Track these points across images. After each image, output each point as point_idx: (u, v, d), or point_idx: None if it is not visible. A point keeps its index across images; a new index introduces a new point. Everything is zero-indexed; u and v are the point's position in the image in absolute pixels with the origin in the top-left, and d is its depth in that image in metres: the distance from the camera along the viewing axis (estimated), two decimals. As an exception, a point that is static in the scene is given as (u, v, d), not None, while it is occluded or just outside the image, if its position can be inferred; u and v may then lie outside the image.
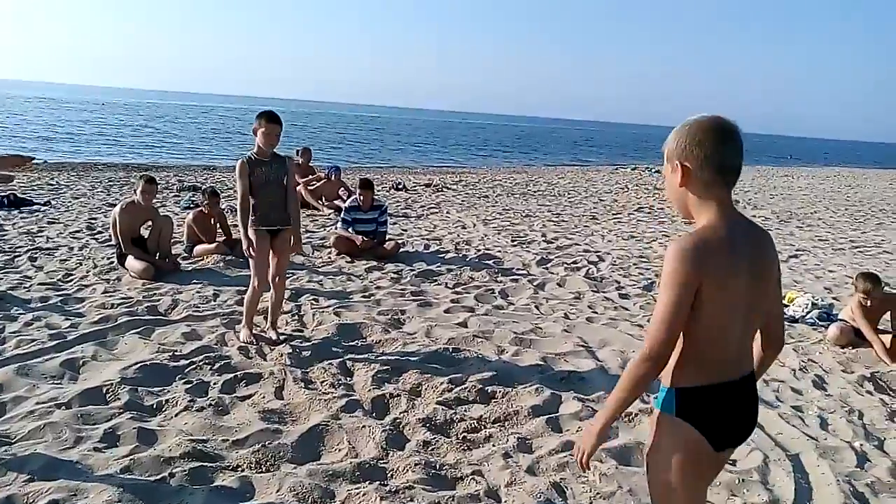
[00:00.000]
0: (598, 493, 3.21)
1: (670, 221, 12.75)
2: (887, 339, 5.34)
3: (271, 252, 4.99)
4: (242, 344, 4.91)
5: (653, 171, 27.42)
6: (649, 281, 7.60)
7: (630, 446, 3.66)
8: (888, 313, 5.50)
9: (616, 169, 29.56)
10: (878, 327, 5.46)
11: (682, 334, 1.80)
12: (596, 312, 6.27)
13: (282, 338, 5.06)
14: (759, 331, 2.00)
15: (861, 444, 3.88)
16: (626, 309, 6.45)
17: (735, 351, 1.87)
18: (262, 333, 5.14)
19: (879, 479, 3.50)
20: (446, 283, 7.03)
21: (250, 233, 4.85)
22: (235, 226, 5.04)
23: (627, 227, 11.84)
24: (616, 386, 1.87)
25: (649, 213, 14.05)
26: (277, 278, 5.06)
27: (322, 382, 4.35)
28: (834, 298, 6.99)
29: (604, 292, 7.03)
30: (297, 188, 11.47)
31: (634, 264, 8.53)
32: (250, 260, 4.92)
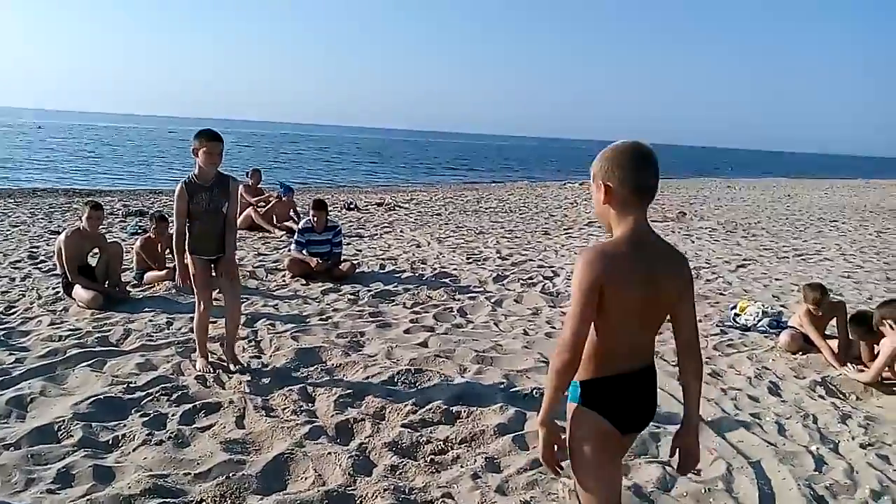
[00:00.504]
0: (568, 510, 3.22)
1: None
2: (834, 343, 5.53)
3: (217, 280, 4.86)
4: (199, 373, 4.79)
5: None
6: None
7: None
8: (834, 319, 5.69)
9: (564, 184, 29.96)
10: (825, 333, 5.65)
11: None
12: (554, 327, 6.32)
13: (238, 366, 4.94)
14: (676, 344, 2.19)
15: (817, 448, 3.99)
16: (584, 323, 6.51)
17: (628, 348, 2.10)
18: (219, 361, 5.01)
19: (837, 481, 3.61)
20: (404, 303, 7.00)
21: (188, 261, 4.72)
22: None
23: (579, 242, 12.01)
24: (546, 381, 2.11)
25: (599, 227, 14.27)
26: (231, 307, 4.93)
27: (284, 409, 4.27)
28: (782, 306, 7.19)
29: (560, 307, 7.09)
30: (248, 210, 11.32)
31: (588, 278, 8.62)
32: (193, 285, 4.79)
